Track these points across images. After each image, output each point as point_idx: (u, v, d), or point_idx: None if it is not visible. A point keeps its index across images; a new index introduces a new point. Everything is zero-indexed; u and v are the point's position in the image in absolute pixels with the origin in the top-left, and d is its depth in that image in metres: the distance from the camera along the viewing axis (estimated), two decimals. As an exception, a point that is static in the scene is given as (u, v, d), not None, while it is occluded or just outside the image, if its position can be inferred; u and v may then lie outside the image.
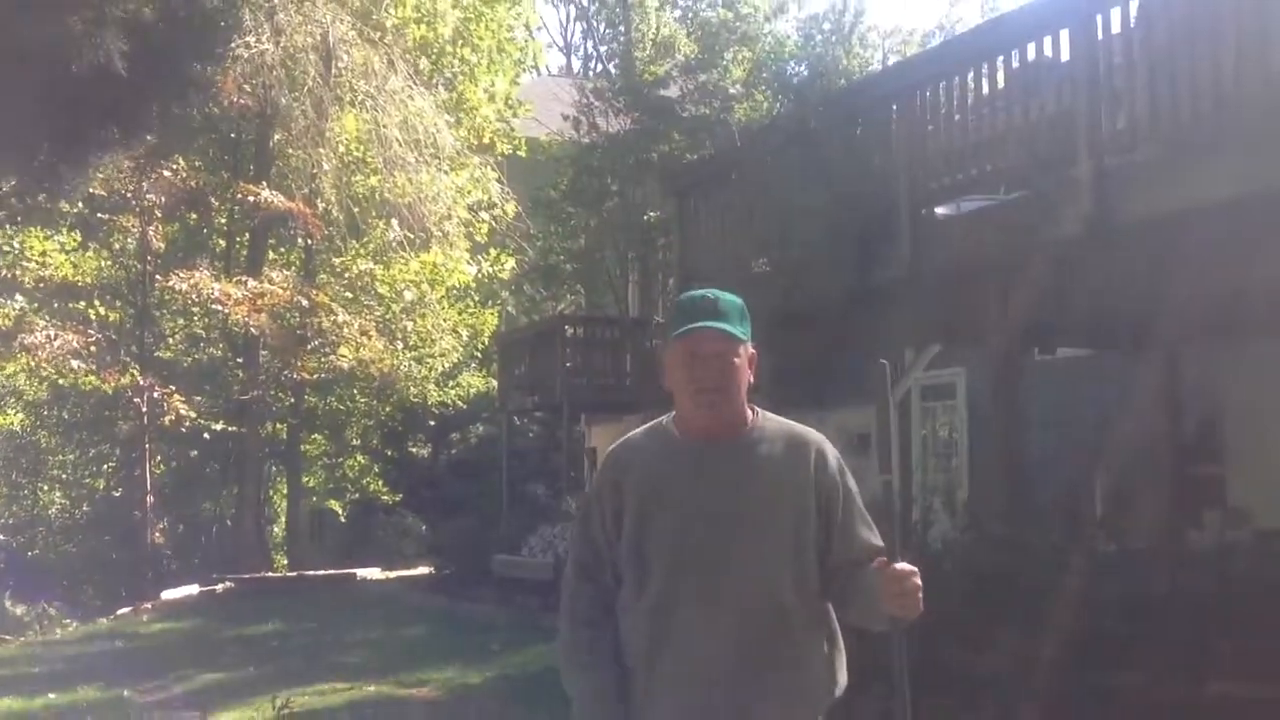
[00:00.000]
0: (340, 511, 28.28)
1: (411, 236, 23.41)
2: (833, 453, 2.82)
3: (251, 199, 20.46)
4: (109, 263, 22.34)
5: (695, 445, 2.80)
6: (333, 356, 21.94)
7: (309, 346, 21.69)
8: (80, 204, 21.30)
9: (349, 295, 22.79)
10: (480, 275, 25.49)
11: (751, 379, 2.80)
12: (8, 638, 16.52)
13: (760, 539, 2.72)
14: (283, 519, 27.97)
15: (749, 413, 2.82)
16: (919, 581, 2.58)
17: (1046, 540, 7.07)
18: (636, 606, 2.78)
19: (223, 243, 24.90)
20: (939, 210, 8.60)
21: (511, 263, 25.70)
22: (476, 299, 26.31)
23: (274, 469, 27.15)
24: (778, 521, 2.73)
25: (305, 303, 21.05)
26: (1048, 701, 6.79)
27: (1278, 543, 9.11)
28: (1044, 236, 7.42)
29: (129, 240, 21.43)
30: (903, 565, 2.59)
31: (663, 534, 2.76)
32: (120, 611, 18.09)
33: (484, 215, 24.57)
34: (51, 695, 10.03)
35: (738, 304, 2.80)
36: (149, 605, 18.22)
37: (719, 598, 2.70)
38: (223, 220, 23.89)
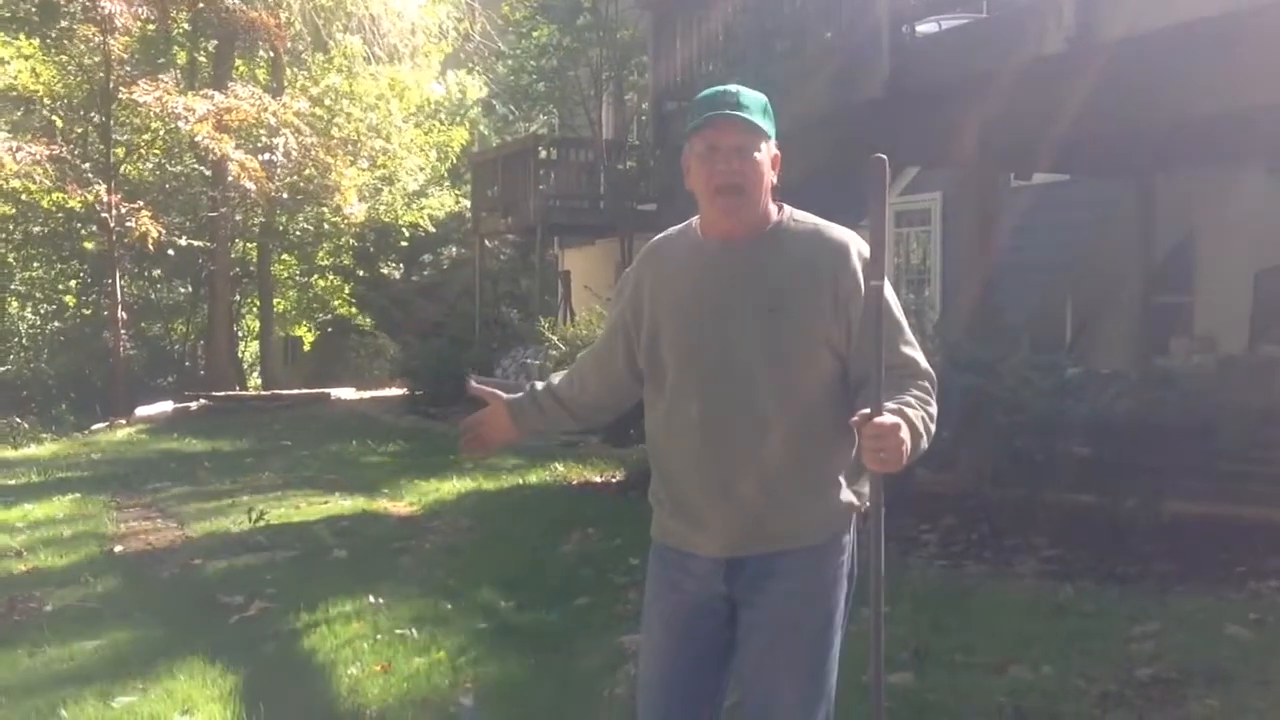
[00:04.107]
0: (306, 338, 28.24)
1: (379, 53, 22.92)
2: (859, 250, 2.65)
3: (211, 8, 19.90)
4: (71, 75, 21.73)
5: (713, 246, 2.71)
6: (296, 178, 21.63)
7: (277, 169, 21.35)
8: (36, 12, 20.67)
9: (316, 113, 22.32)
10: (447, 97, 25.07)
11: (774, 180, 2.67)
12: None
13: (767, 340, 2.62)
14: (255, 340, 27.98)
15: (773, 212, 2.71)
16: (903, 437, 2.41)
17: (1014, 362, 7.15)
18: (655, 405, 2.79)
19: (184, 55, 24.27)
20: (920, 27, 8.42)
21: (479, 84, 25.25)
22: (444, 119, 25.88)
23: (244, 296, 27.02)
24: (789, 324, 2.61)
25: (272, 120, 20.64)
26: (1008, 519, 6.97)
27: (1239, 368, 9.26)
28: (1026, 55, 7.29)
29: (90, 53, 20.80)
30: (884, 420, 2.40)
31: (673, 335, 2.71)
32: (95, 427, 18.19)
33: (449, 33, 24.04)
34: (28, 506, 10.13)
35: (760, 99, 2.65)
36: (124, 421, 18.32)
37: (724, 398, 2.64)
38: (184, 29, 23.23)
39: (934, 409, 2.60)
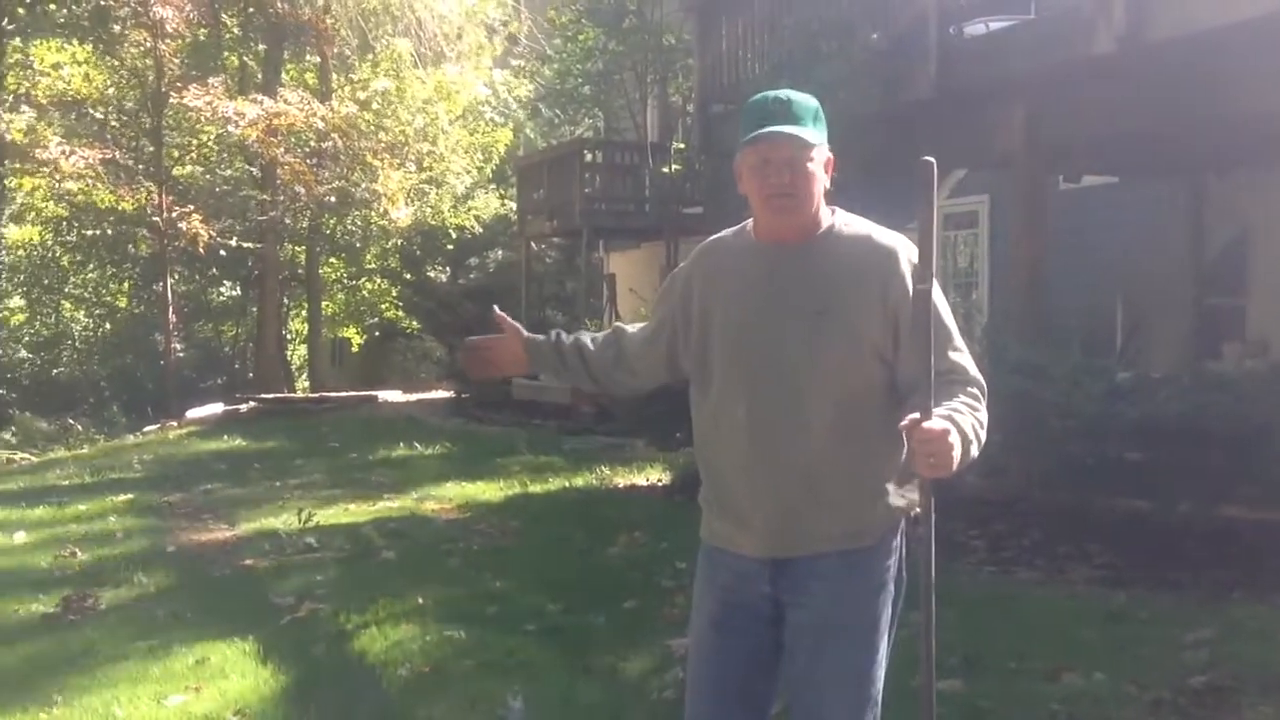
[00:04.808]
0: (355, 340, 28.46)
1: (425, 51, 23.08)
2: (909, 256, 2.65)
3: (260, 12, 20.14)
4: (123, 79, 22.05)
5: (765, 249, 2.73)
6: (344, 183, 21.83)
7: (326, 173, 21.57)
8: (88, 17, 20.98)
9: (365, 117, 22.48)
10: (493, 98, 25.19)
11: (827, 184, 2.68)
12: (34, 452, 16.85)
13: (815, 343, 2.63)
14: (303, 343, 28.22)
15: (826, 216, 2.72)
16: (953, 441, 2.40)
17: (1065, 365, 7.08)
18: (702, 407, 2.80)
19: (235, 60, 24.55)
20: (968, 28, 8.37)
21: (527, 85, 25.36)
22: (491, 119, 26.00)
23: (292, 299, 27.25)
24: (836, 327, 2.62)
25: (321, 125, 20.82)
26: (1059, 525, 6.90)
27: (1295, 372, 9.11)
28: (1075, 55, 7.23)
29: (141, 58, 21.08)
30: (934, 425, 2.40)
31: (722, 336, 2.73)
32: (147, 428, 18.41)
33: (497, 33, 24.21)
34: (82, 506, 10.27)
35: (812, 105, 2.66)
36: (175, 423, 18.52)
37: (771, 400, 2.65)
38: (234, 33, 23.48)
39: (984, 415, 2.59)
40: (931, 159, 2.42)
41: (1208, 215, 10.84)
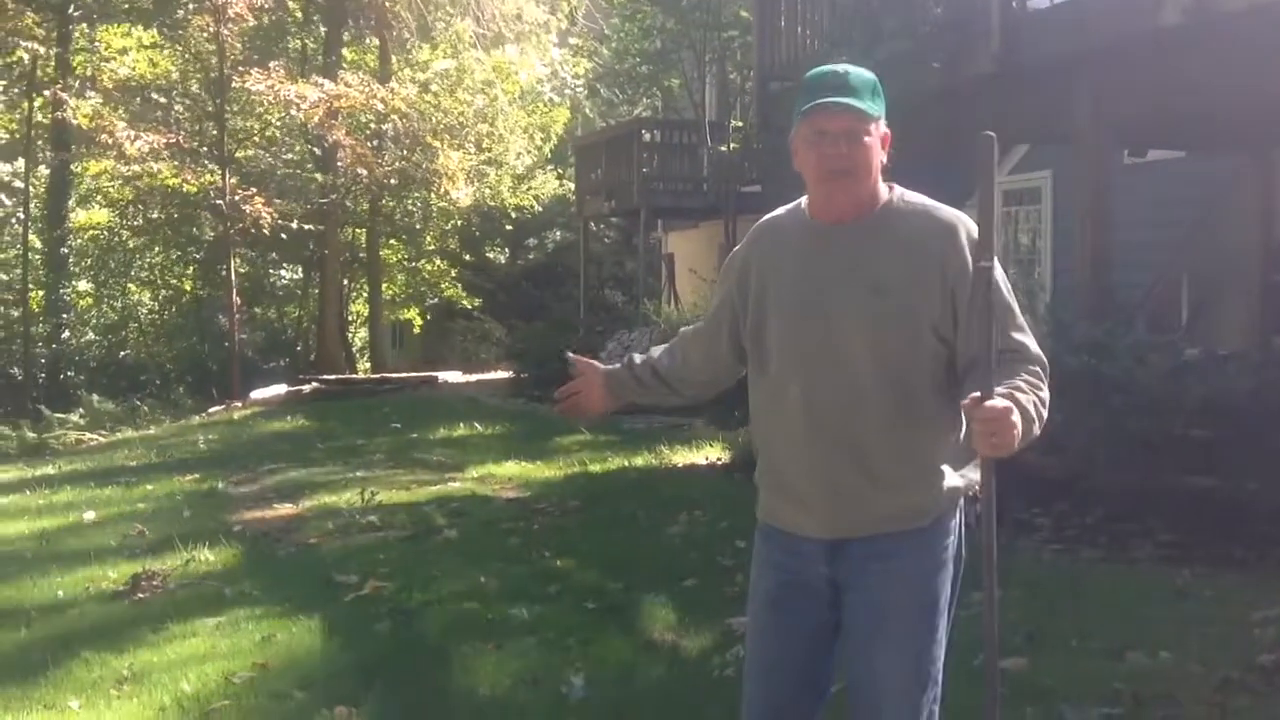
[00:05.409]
0: (417, 321, 28.68)
1: (483, 33, 23.17)
2: (968, 232, 2.62)
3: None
4: (186, 63, 22.34)
5: (821, 227, 2.71)
6: (404, 163, 21.97)
7: (386, 155, 21.75)
8: (152, 2, 21.26)
9: (425, 98, 22.59)
10: (551, 76, 25.26)
11: (884, 160, 2.66)
12: (102, 433, 17.16)
13: (872, 322, 2.61)
14: (363, 325, 28.48)
15: (883, 193, 2.69)
16: (1015, 420, 2.39)
17: (1130, 343, 6.99)
18: (759, 386, 2.80)
19: (298, 43, 24.77)
20: (1031, 1, 8.26)
21: (585, 63, 25.41)
22: (550, 98, 26.04)
23: (353, 281, 27.50)
24: (894, 305, 2.60)
25: (380, 107, 20.98)
26: (1123, 503, 6.82)
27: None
28: (1141, 27, 7.11)
29: (206, 44, 21.33)
30: (995, 404, 2.39)
31: (779, 315, 2.72)
32: (212, 409, 18.67)
33: (560, 9, 24.27)
34: (149, 486, 10.45)
35: (870, 79, 2.63)
36: (239, 404, 18.77)
37: (825, 380, 2.64)
38: (296, 17, 23.68)
39: (1045, 394, 2.57)
40: (991, 134, 2.40)
41: (1276, 192, 10.62)
